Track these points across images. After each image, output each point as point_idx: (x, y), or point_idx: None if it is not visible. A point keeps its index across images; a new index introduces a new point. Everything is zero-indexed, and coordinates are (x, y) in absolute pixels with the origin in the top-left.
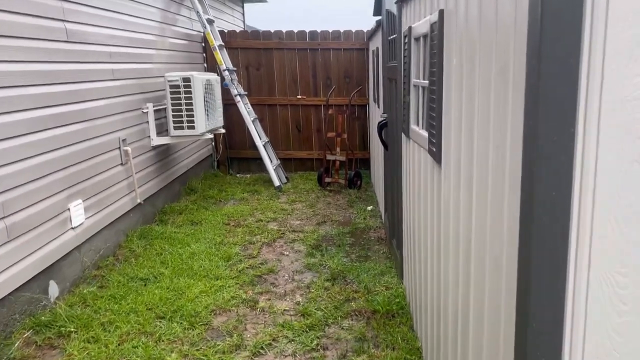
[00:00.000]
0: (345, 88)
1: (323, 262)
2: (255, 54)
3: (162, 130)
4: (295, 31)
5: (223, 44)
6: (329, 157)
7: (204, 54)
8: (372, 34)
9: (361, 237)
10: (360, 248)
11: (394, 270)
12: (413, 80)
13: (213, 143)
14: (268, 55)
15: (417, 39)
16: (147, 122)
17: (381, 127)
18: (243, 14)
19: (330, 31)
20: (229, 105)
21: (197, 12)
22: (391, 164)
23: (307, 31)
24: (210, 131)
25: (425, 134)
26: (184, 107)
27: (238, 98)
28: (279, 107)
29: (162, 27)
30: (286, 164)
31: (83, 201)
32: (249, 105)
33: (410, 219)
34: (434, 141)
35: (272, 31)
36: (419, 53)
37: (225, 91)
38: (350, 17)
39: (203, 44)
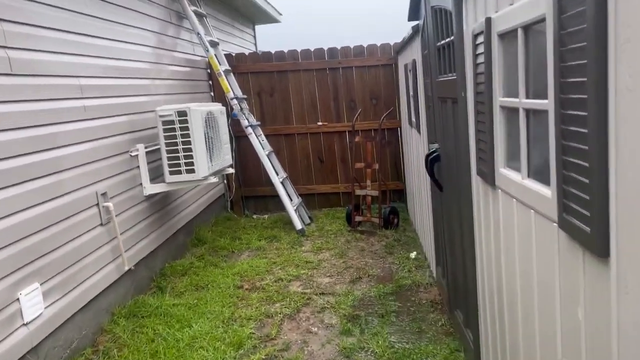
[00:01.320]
0: (372, 111)
1: (364, 344)
2: (267, 78)
3: (158, 175)
4: (312, 49)
5: (230, 68)
6: (359, 192)
7: (210, 82)
8: (403, 45)
9: (409, 300)
10: (411, 318)
11: (463, 358)
12: (499, 99)
13: (225, 181)
14: (282, 79)
15: (504, 36)
16: (138, 166)
17: (432, 161)
18: (254, 37)
19: (351, 47)
20: (241, 138)
21: (198, 34)
22: (449, 210)
23: (326, 49)
24: (214, 173)
25: (546, 191)
26: (180, 147)
27: (250, 129)
28: (298, 136)
29: (158, 54)
30: (309, 200)
31: (41, 284)
32: (263, 136)
33: (500, 301)
34: (587, 214)
35: (286, 51)
36: (515, 57)
37: (236, 122)
38: (375, 30)
39: (208, 70)
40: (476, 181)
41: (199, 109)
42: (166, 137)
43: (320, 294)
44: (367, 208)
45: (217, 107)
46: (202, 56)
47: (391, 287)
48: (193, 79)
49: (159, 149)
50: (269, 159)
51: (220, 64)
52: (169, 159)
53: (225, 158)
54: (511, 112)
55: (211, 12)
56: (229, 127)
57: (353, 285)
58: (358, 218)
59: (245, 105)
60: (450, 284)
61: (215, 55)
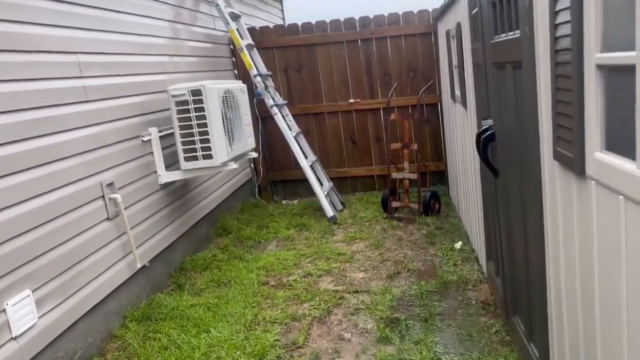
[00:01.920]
0: (409, 85)
1: (405, 355)
2: (294, 53)
3: (175, 162)
4: (342, 19)
5: (253, 43)
6: (395, 175)
7: (233, 59)
8: (444, 8)
9: (456, 300)
10: (458, 323)
11: None
12: (595, 56)
13: (252, 165)
14: (310, 54)
15: None
16: (152, 153)
17: (485, 141)
18: (282, 10)
19: (385, 15)
20: (267, 118)
21: (217, 5)
22: (506, 199)
23: (357, 18)
24: (235, 158)
25: None
26: (196, 130)
27: (275, 109)
28: (328, 115)
29: (175, 28)
30: (341, 184)
31: (33, 291)
32: (290, 116)
33: (588, 313)
34: None
35: (314, 23)
36: None
37: (261, 102)
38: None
39: (231, 46)
40: (551, 167)
41: (215, 87)
42: (180, 120)
43: (353, 292)
44: (404, 192)
45: (237, 85)
46: (223, 31)
47: (434, 283)
48: (214, 55)
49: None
50: (297, 141)
51: (242, 39)
52: (183, 143)
53: (248, 141)
54: (616, 73)
55: None
56: (254, 107)
57: (391, 282)
58: (395, 204)
59: (270, 83)
60: (506, 284)
61: (237, 29)
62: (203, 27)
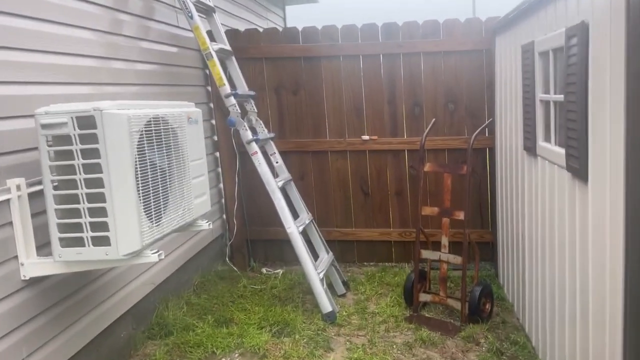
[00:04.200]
0: (447, 121)
1: None
2: (291, 67)
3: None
4: (359, 26)
5: (230, 49)
6: (427, 254)
7: (207, 71)
8: (520, 13)
9: None
10: None
11: None
12: None
13: (224, 215)
14: (313, 69)
15: None
16: (12, 223)
17: None
18: (284, 19)
19: (419, 23)
20: (247, 153)
21: None
22: None
23: (380, 25)
24: (162, 238)
25: None
26: (82, 190)
27: (254, 147)
28: (332, 155)
29: (115, 19)
30: (345, 250)
31: None
32: (278, 155)
33: None
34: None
35: (320, 28)
36: None
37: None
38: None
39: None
40: None
41: (124, 113)
42: (55, 169)
43: None
44: (440, 282)
45: (180, 111)
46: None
47: None
48: (178, 64)
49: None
50: (282, 195)
51: (214, 42)
52: (59, 213)
53: (196, 204)
54: None
55: None
56: (232, 137)
57: None
58: (424, 297)
59: (252, 107)
60: None
61: (210, 30)
62: (162, 22)
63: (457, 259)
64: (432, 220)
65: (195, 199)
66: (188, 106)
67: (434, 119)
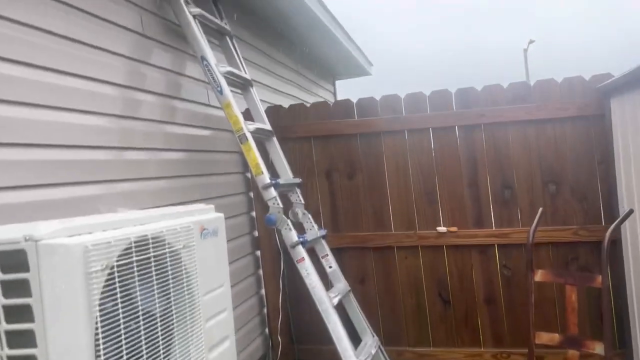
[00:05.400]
0: (547, 206)
1: None
2: (345, 145)
3: None
4: (427, 93)
5: (270, 129)
6: None
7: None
8: None
9: None
10: None
11: None
12: None
13: (266, 330)
14: (372, 148)
15: None
16: None
17: None
18: (334, 94)
19: (504, 86)
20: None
21: (203, 59)
22: None
23: (454, 91)
24: None
25: None
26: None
27: (300, 251)
28: (399, 252)
29: (130, 99)
30: None
31: None
32: (331, 258)
33: None
34: None
35: (378, 99)
36: None
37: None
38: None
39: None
40: None
41: (81, 244)
42: None
43: None
44: None
45: (189, 221)
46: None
47: None
48: (207, 149)
49: None
50: (343, 306)
51: (250, 121)
52: None
53: (215, 357)
54: None
55: (266, 59)
56: (275, 235)
57: None
58: None
59: (297, 196)
60: None
61: (245, 99)
62: (189, 100)
63: None
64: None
65: (211, 351)
66: (204, 211)
67: (541, 209)
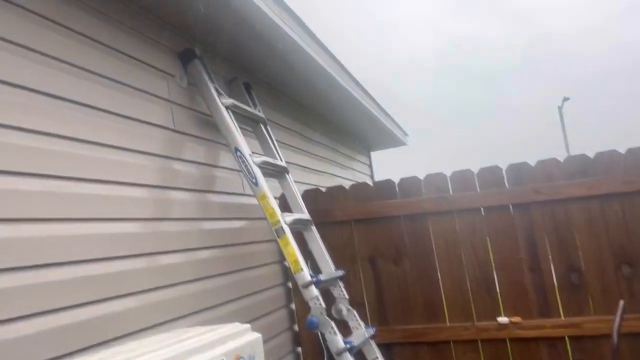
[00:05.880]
0: (622, 291)
1: None
2: (388, 228)
3: None
4: (476, 171)
5: (309, 218)
6: None
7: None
8: None
9: None
10: None
11: None
12: None
13: None
14: (417, 229)
15: None
16: None
17: None
18: (370, 166)
19: (560, 160)
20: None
21: (237, 150)
22: None
23: (504, 168)
24: None
25: None
26: None
27: (348, 359)
28: (457, 347)
29: (161, 200)
30: None
31: None
32: None
33: None
34: None
35: (422, 178)
36: None
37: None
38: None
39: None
40: None
41: None
42: None
43: None
44: None
45: (221, 352)
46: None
47: None
48: (242, 241)
49: None
50: None
51: (287, 212)
52: None
53: None
54: None
55: (302, 140)
56: (319, 337)
57: None
58: None
59: (341, 290)
60: None
61: (283, 193)
62: (223, 192)
63: None
64: None
65: None
66: (238, 334)
67: (622, 301)
